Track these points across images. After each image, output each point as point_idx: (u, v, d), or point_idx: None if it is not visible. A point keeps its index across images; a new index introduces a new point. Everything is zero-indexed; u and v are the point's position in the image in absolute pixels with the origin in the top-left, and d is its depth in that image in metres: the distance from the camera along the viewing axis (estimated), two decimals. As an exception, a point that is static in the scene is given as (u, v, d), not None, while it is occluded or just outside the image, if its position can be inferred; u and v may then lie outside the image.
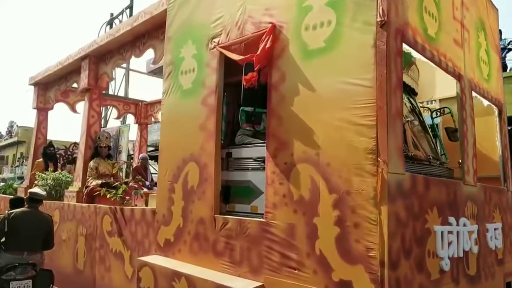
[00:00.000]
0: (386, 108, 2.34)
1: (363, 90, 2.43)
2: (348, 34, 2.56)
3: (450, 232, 2.87)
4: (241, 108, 3.01)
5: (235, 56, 3.26)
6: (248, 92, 3.02)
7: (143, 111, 9.11)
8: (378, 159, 2.32)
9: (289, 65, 2.88)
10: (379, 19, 2.42)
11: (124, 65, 14.60)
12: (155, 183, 5.13)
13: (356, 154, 2.41)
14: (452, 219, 2.92)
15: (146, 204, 4.72)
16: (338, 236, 2.45)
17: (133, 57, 5.17)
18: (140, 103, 9.14)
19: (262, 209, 3.12)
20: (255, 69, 2.99)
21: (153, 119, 9.12)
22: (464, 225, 3.08)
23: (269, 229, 2.84)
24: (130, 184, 5.00)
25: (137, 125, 9.20)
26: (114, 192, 4.63)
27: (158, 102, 9.03)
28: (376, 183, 2.31)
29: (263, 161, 3.15)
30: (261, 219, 2.94)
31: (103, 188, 4.85)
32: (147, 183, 6.62)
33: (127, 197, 4.81)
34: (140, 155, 8.54)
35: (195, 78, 3.66)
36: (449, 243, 2.84)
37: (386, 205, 2.27)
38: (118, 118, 8.65)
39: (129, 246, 4.22)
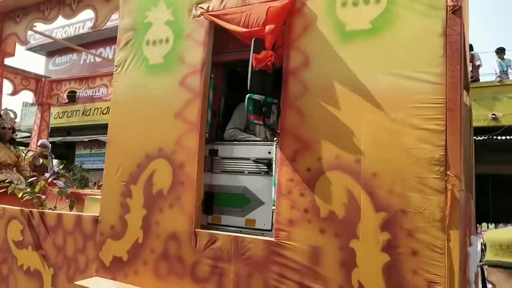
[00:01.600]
0: (460, 111, 1.92)
1: (428, 87, 1.98)
2: (406, 17, 2.10)
3: None
4: (248, 95, 2.34)
5: (235, 29, 2.57)
6: (258, 76, 2.36)
7: (46, 89, 7.55)
8: (448, 172, 1.89)
9: (316, 47, 2.31)
10: (450, 3, 2.00)
11: None
12: (58, 176, 4.05)
13: (416, 165, 1.96)
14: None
15: (71, 208, 3.69)
16: (387, 266, 1.97)
17: (60, 17, 4.02)
18: (43, 79, 7.58)
19: (262, 224, 2.52)
20: (267, 47, 2.36)
21: (58, 99, 7.62)
22: None
23: (282, 251, 2.24)
24: (50, 180, 3.87)
25: (36, 105, 7.62)
26: (29, 190, 3.49)
27: (68, 79, 7.62)
28: (444, 202, 1.88)
29: (267, 164, 2.53)
30: (269, 238, 2.32)
31: (12, 185, 3.65)
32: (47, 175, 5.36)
33: (43, 197, 3.70)
34: (40, 141, 7.07)
35: (169, 52, 2.84)
36: None
37: (458, 230, 1.86)
38: (13, 94, 7.00)
39: (53, 263, 3.18)
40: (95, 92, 14.72)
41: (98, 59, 16.69)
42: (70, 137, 16.73)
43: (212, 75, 2.78)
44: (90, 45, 15.95)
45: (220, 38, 2.77)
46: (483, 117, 9.85)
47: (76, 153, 17.06)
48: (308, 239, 2.17)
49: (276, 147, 2.42)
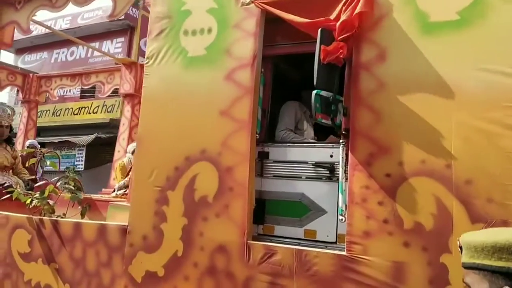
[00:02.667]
0: None
1: (531, 84, 1.79)
2: (502, 8, 1.90)
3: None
4: (315, 92, 2.10)
5: (294, 19, 2.32)
6: (325, 70, 2.12)
7: (34, 85, 7.07)
8: (560, 180, 1.70)
9: (394, 39, 2.09)
10: (554, -8, 1.82)
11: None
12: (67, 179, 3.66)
13: (521, 171, 1.76)
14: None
15: (83, 215, 3.32)
16: (489, 284, 1.75)
17: (70, 5, 3.65)
18: (31, 74, 7.10)
19: (325, 235, 2.27)
20: (337, 38, 2.13)
21: (48, 96, 7.15)
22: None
23: (357, 267, 1.99)
24: (58, 183, 3.48)
25: (23, 103, 7.11)
26: (38, 195, 3.11)
27: (59, 75, 7.15)
28: (556, 213, 1.69)
29: (330, 169, 2.29)
30: (340, 252, 2.07)
31: (17, 190, 3.25)
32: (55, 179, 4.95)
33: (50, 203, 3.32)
34: (28, 142, 6.58)
35: (212, 43, 2.56)
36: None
37: None
38: (-1, 90, 6.51)
39: (69, 279, 2.82)
40: (66, 92, 14.13)
41: (70, 58, 15.98)
42: (40, 138, 15.88)
43: (262, 70, 2.51)
44: (64, 43, 15.30)
45: (267, 29, 2.51)
46: None
47: (45, 154, 16.24)
48: (390, 253, 1.94)
49: (342, 150, 2.17)
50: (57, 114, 15.99)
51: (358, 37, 2.16)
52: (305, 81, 2.95)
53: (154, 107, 2.69)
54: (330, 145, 2.35)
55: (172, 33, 2.70)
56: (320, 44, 2.11)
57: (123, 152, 5.94)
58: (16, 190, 3.16)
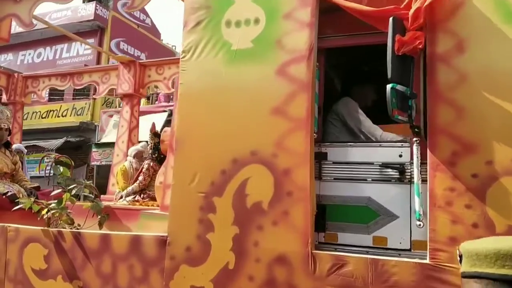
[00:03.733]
0: None
1: None
2: None
3: None
4: (390, 85, 1.92)
5: (357, 7, 2.14)
6: (400, 62, 1.95)
7: (19, 86, 6.61)
8: None
9: (475, 29, 1.94)
10: None
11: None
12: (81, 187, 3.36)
13: None
14: None
15: (101, 226, 3.02)
16: None
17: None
18: (16, 74, 6.64)
19: (397, 242, 2.10)
20: (410, 28, 1.96)
21: (34, 97, 6.71)
22: None
23: (442, 276, 1.82)
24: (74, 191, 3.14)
25: (8, 105, 6.64)
26: (56, 205, 2.78)
27: (47, 75, 6.72)
28: None
29: (400, 170, 2.11)
30: (422, 261, 1.89)
31: (30, 199, 2.91)
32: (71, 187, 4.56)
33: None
34: (14, 146, 6.12)
35: (260, 34, 2.35)
36: None
37: None
38: (-18, 91, 6.04)
39: (96, 297, 2.54)
40: (33, 95, 13.49)
41: (37, 60, 15.30)
42: (5, 143, 15.06)
43: (317, 64, 2.32)
44: (30, 44, 14.65)
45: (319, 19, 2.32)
46: None
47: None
48: (481, 260, 1.78)
49: (417, 149, 2.00)
50: (24, 118, 15.15)
51: (432, 26, 2.00)
52: (355, 76, 2.79)
53: (194, 105, 2.45)
54: (399, 144, 2.18)
55: (212, 24, 2.47)
56: (393, 33, 1.94)
57: (123, 156, 5.61)
58: (28, 200, 2.83)
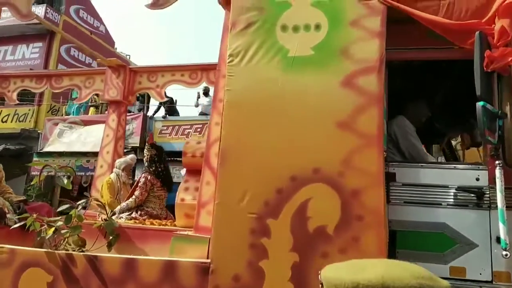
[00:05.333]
0: None
1: None
2: None
3: None
4: (481, 103, 1.78)
5: (435, 19, 2.01)
6: (488, 79, 1.83)
7: (-13, 87, 5.96)
8: None
9: None
10: None
11: None
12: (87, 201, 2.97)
13: None
14: None
15: (110, 247, 2.63)
16: None
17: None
18: (-17, 74, 5.99)
19: (477, 273, 1.95)
20: (497, 44, 1.85)
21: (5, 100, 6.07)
22: None
23: (540, 313, 1.67)
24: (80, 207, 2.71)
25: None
26: (65, 224, 2.37)
27: (19, 76, 6.11)
28: None
29: (478, 194, 1.97)
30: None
31: (32, 215, 2.46)
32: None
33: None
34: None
35: (322, 42, 2.16)
36: None
37: None
38: None
39: (116, 334, 2.16)
40: None
41: None
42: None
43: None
44: None
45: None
46: None
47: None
48: None
49: (500, 172, 1.86)
50: (-41, 121, 13.92)
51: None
52: (409, 92, 2.65)
53: (244, 114, 2.19)
54: (476, 166, 2.04)
55: (265, 27, 2.25)
56: (481, 49, 1.82)
57: (107, 168, 5.13)
58: (30, 217, 2.40)
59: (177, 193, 3.09)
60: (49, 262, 2.35)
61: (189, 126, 9.63)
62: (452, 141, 3.90)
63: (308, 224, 1.98)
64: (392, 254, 2.02)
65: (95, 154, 9.21)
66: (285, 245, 1.99)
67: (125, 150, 6.02)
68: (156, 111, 10.27)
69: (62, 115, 11.62)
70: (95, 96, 9.22)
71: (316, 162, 2.03)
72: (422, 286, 0.94)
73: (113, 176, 4.72)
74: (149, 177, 3.99)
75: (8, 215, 3.00)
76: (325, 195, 1.98)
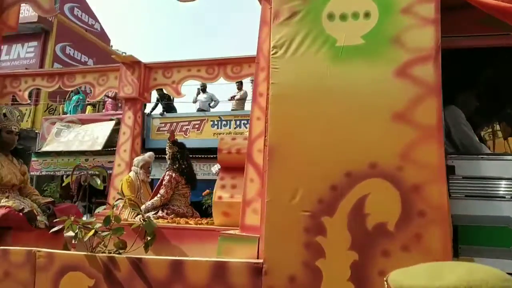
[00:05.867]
0: None
1: None
2: None
3: None
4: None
5: (493, 3, 1.91)
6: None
7: (-4, 86, 5.86)
8: None
9: None
10: None
11: None
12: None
13: None
14: None
15: (147, 249, 2.55)
16: None
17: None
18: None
19: (547, 268, 1.83)
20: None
21: (15, 99, 5.97)
22: None
23: None
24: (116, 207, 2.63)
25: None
26: (104, 225, 2.29)
27: (30, 74, 6.01)
28: None
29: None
30: None
31: (69, 218, 2.37)
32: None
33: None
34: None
35: (372, 30, 2.06)
36: None
37: None
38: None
39: (165, 338, 2.08)
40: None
41: None
42: None
43: (438, 65, 2.06)
44: None
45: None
46: None
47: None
48: None
49: None
50: (-45, 122, 13.72)
51: None
52: (459, 81, 2.56)
53: (291, 108, 2.10)
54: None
55: (310, 16, 2.15)
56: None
57: (125, 166, 5.05)
58: (68, 220, 2.32)
59: (214, 191, 3.01)
60: (89, 266, 2.27)
61: (187, 123, 9.47)
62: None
63: (366, 221, 1.90)
64: (454, 250, 1.95)
65: (93, 153, 9.16)
66: (343, 244, 1.91)
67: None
68: (153, 108, 10.13)
69: (59, 114, 11.51)
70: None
71: (372, 156, 1.94)
72: None
73: (132, 174, 4.63)
74: (173, 175, 3.90)
75: (38, 217, 2.92)
76: (384, 191, 1.90)
